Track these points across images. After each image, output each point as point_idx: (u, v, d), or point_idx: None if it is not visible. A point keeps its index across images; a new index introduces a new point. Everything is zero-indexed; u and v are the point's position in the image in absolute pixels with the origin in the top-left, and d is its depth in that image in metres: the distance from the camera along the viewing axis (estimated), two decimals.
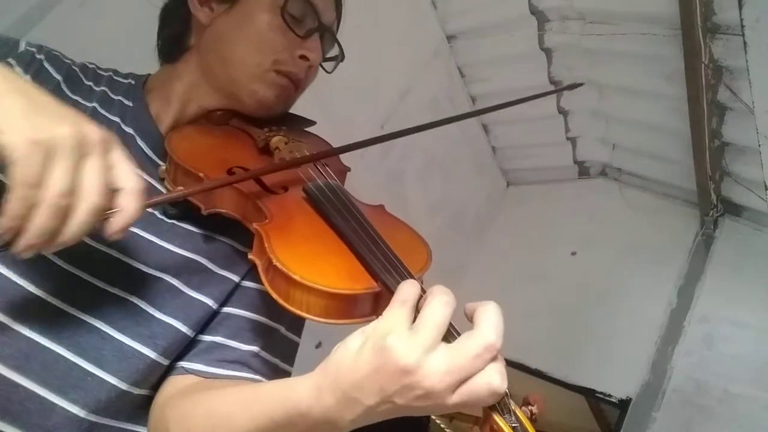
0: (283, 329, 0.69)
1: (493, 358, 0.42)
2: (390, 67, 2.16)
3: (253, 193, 0.61)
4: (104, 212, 0.44)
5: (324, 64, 0.81)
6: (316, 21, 0.74)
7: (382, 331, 0.42)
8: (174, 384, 0.60)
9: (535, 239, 2.82)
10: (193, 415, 0.54)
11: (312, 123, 0.84)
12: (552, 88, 2.45)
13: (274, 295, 0.50)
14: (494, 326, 0.43)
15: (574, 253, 2.73)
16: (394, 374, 0.41)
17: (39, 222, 0.40)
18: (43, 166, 0.40)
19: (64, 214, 0.41)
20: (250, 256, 0.54)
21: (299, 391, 0.46)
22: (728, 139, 2.10)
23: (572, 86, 0.61)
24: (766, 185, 1.88)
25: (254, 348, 0.65)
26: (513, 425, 0.44)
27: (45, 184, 0.40)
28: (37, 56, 0.69)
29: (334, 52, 0.82)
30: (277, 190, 0.64)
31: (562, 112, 2.58)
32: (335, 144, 0.83)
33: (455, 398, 0.41)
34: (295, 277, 0.48)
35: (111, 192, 0.45)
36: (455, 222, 2.81)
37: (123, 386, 0.58)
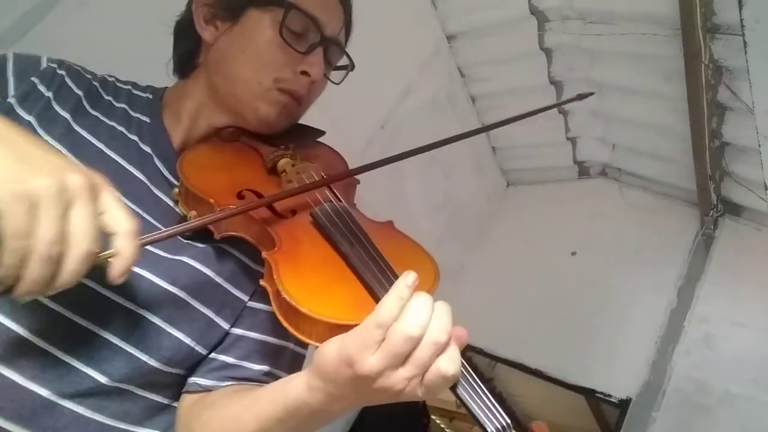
0: (291, 345, 0.71)
1: (446, 346, 0.47)
2: (390, 67, 2.16)
3: (262, 219, 0.62)
4: (98, 256, 0.45)
5: (334, 73, 0.80)
6: (318, 35, 0.72)
7: (350, 346, 0.48)
8: (192, 398, 0.65)
9: (535, 239, 2.82)
10: (211, 420, 0.61)
11: (321, 133, 0.83)
12: (552, 88, 2.45)
13: (284, 323, 0.53)
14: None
15: (574, 253, 2.73)
16: (365, 381, 0.47)
17: (32, 271, 0.41)
18: (30, 216, 0.41)
19: (56, 261, 0.42)
20: (261, 283, 0.57)
21: (295, 389, 0.53)
22: (728, 139, 2.10)
23: (582, 96, 0.62)
24: (766, 185, 1.88)
25: (265, 367, 0.68)
26: None
27: (34, 235, 0.41)
28: (59, 72, 0.70)
29: (344, 61, 0.81)
30: (285, 214, 0.65)
31: (562, 112, 2.59)
32: (340, 150, 0.83)
33: (425, 390, 0.47)
34: (303, 309, 0.51)
35: (105, 236, 0.45)
36: (455, 222, 2.81)
37: (129, 388, 0.61)
